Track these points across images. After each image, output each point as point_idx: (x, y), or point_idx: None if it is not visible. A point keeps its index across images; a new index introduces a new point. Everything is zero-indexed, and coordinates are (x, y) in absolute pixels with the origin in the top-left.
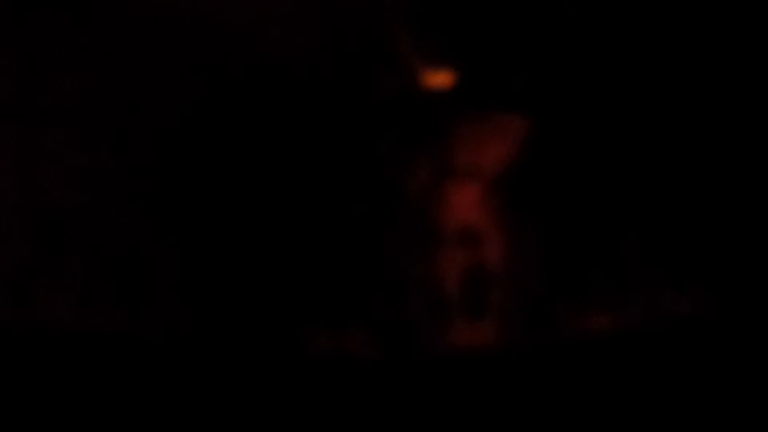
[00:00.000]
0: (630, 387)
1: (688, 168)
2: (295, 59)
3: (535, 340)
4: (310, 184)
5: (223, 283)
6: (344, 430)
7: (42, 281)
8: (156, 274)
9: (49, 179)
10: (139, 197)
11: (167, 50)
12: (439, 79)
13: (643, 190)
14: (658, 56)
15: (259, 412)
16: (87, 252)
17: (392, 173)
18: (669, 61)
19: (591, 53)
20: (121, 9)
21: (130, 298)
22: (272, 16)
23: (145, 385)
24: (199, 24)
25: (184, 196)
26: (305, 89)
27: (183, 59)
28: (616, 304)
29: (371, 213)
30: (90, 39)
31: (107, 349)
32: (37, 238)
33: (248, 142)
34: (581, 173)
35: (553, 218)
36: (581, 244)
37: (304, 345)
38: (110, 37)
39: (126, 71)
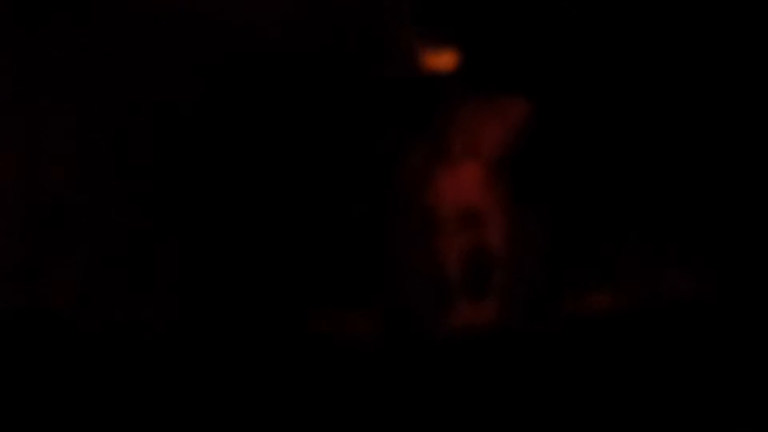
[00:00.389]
0: (631, 367)
1: (691, 148)
2: (294, 45)
3: (536, 321)
4: (309, 168)
5: (223, 270)
6: (346, 411)
7: (42, 279)
8: (157, 264)
9: (49, 178)
10: (140, 193)
11: (167, 49)
12: (442, 60)
13: (644, 170)
14: (662, 37)
15: (262, 395)
16: (87, 249)
17: (392, 156)
18: (673, 42)
19: (595, 36)
20: (121, 9)
21: (131, 292)
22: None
23: (149, 376)
24: (199, 24)
25: (184, 188)
26: (303, 72)
27: (183, 59)
28: (618, 284)
29: (371, 195)
30: (90, 38)
31: (109, 344)
32: (38, 237)
33: (246, 125)
34: (582, 155)
35: (555, 200)
36: (582, 225)
37: (305, 328)
38: (110, 36)
39: (126, 70)
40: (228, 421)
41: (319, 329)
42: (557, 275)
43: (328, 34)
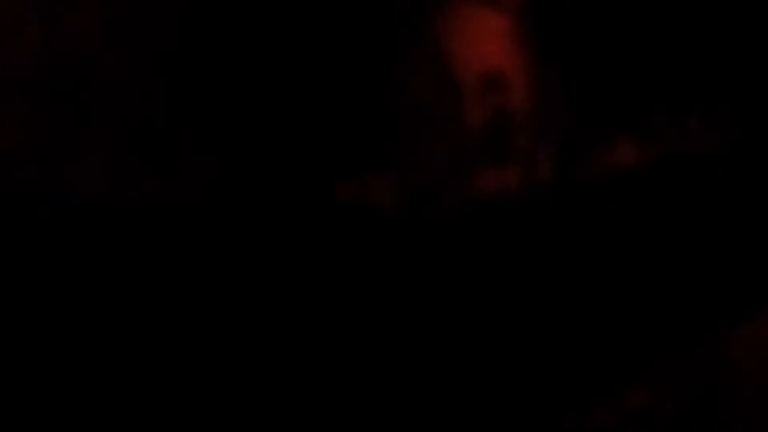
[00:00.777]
0: (655, 222)
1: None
2: None
3: (559, 182)
4: (329, 32)
5: (248, 141)
6: (368, 279)
7: (67, 152)
8: (181, 137)
9: (75, 29)
10: (163, 54)
11: None
12: None
13: (670, 24)
14: None
15: (284, 266)
16: (112, 118)
17: (410, 11)
18: None
19: None
20: None
21: (155, 164)
22: None
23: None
24: None
25: (207, 52)
26: None
27: None
28: (643, 137)
29: (391, 53)
30: None
31: (135, 221)
32: (62, 98)
33: None
34: (605, 4)
35: (578, 52)
36: (607, 79)
37: (330, 196)
38: None
39: None
40: (250, 299)
41: (343, 197)
42: (581, 133)
43: None
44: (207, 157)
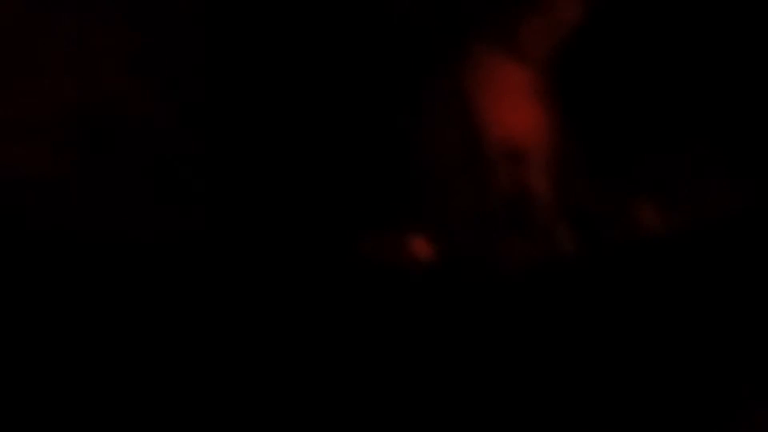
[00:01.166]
0: (688, 289)
1: (747, 57)
2: None
3: (583, 253)
4: (355, 80)
5: (271, 185)
6: (395, 337)
7: (93, 182)
8: (206, 176)
9: (102, 63)
10: (192, 92)
11: None
12: None
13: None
14: None
15: (309, 320)
16: (138, 151)
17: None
18: None
19: None
20: None
21: (179, 201)
22: None
23: (195, 284)
24: None
25: (220, 93)
26: None
27: None
28: (670, 202)
29: (417, 105)
30: None
31: (152, 254)
32: (89, 131)
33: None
34: (635, 64)
35: (605, 112)
36: (635, 138)
37: (352, 249)
38: None
39: None
40: (260, 346)
41: (367, 252)
42: (606, 198)
43: None
44: (230, 204)
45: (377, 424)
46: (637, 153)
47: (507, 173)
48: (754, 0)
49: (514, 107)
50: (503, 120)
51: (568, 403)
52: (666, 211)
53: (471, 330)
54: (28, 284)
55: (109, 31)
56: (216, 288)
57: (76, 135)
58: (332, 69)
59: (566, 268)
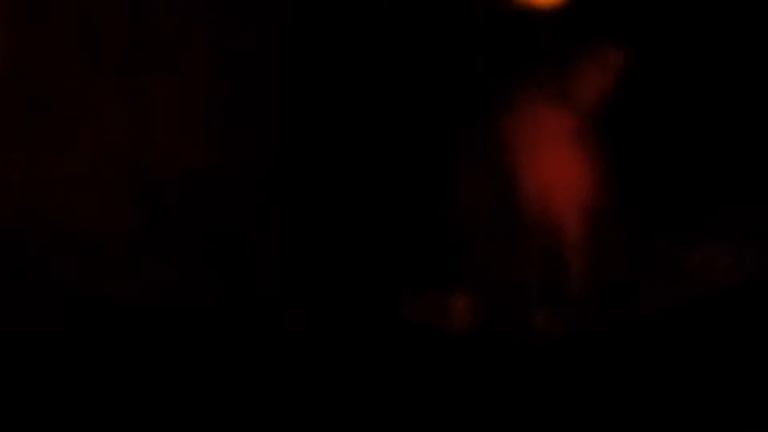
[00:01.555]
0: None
1: None
2: None
3: (616, 323)
4: (401, 139)
5: (317, 250)
6: (435, 394)
7: (146, 253)
8: (256, 247)
9: (158, 132)
10: (244, 160)
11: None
12: None
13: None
14: None
15: (349, 379)
16: (192, 222)
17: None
18: None
19: None
20: None
21: (229, 270)
22: None
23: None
24: None
25: (285, 162)
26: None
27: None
28: (700, 272)
29: (456, 164)
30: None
31: (205, 323)
32: (145, 201)
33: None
34: (676, 124)
35: (646, 165)
36: (670, 200)
37: (395, 311)
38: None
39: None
40: (310, 402)
41: (408, 314)
42: (637, 270)
43: None
44: (277, 271)
45: None
46: (691, 205)
47: (543, 240)
48: None
49: (555, 158)
50: (543, 175)
51: None
52: (697, 280)
53: (504, 391)
54: (75, 348)
55: (162, 87)
56: (260, 346)
57: (128, 190)
58: (378, 128)
59: (596, 340)
